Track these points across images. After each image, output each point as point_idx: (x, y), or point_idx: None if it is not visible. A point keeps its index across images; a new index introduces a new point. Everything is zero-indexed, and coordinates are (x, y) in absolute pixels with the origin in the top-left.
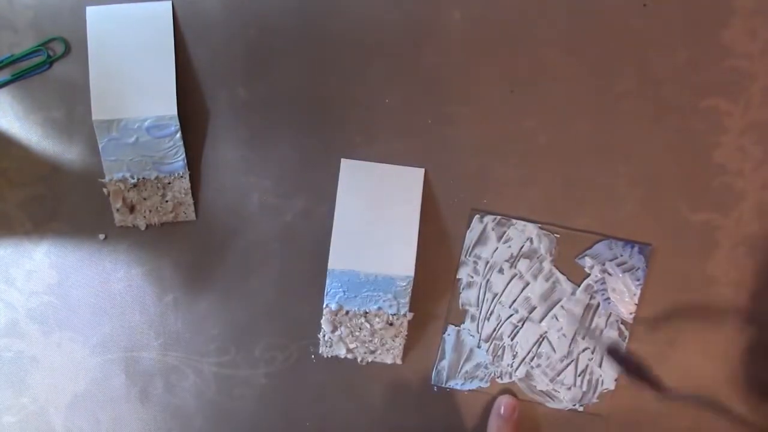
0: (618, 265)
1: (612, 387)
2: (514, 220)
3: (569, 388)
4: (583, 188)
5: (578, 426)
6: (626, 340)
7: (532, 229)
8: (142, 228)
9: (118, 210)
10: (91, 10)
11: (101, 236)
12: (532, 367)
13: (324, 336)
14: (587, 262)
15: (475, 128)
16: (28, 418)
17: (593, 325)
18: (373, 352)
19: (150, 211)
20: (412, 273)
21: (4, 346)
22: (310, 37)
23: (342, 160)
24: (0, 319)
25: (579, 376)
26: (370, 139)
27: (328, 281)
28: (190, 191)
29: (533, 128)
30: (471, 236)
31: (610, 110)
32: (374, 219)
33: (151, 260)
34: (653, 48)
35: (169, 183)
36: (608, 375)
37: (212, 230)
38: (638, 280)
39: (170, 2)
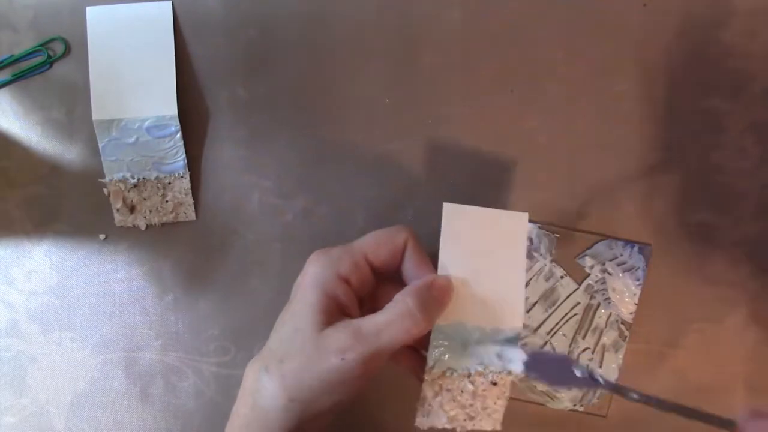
0: (618, 265)
1: None
2: None
3: (569, 389)
4: (584, 188)
5: (578, 426)
6: (626, 340)
7: (532, 229)
8: (142, 228)
9: (118, 210)
10: (91, 10)
11: (101, 236)
12: None
13: (425, 404)
14: (587, 262)
15: (475, 128)
16: (28, 419)
17: (593, 325)
18: (472, 419)
19: (150, 212)
20: (521, 325)
21: (4, 346)
22: (310, 37)
23: (444, 204)
24: (0, 319)
25: None
26: (371, 139)
27: (432, 337)
28: (190, 191)
29: (533, 128)
30: None
31: (610, 110)
32: (478, 267)
33: (151, 260)
34: (653, 48)
35: (169, 183)
36: (609, 375)
37: (212, 230)
38: (638, 280)
39: (170, 2)
